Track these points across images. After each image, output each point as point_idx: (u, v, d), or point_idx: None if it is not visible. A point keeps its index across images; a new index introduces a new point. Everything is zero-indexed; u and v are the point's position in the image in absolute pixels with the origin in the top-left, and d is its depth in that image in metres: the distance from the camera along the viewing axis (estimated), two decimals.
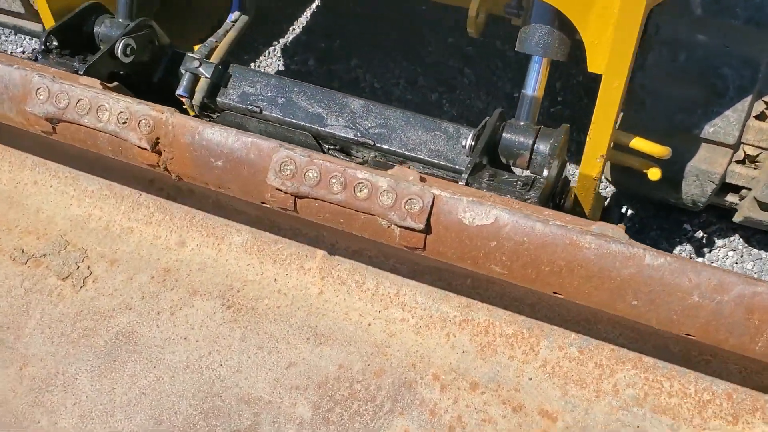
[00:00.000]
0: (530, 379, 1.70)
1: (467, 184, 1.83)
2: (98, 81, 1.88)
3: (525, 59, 1.97)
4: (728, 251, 2.76)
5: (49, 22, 2.30)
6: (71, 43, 2.24)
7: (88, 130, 1.77)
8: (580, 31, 1.77)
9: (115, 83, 1.93)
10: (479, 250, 1.58)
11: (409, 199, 1.59)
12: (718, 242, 2.79)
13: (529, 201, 1.77)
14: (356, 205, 1.62)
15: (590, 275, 1.51)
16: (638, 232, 2.81)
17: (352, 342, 1.79)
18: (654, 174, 1.94)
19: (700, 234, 2.82)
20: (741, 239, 2.77)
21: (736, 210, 2.45)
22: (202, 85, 2.33)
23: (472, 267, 1.60)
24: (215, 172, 1.70)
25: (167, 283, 1.91)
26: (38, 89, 1.81)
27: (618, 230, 1.59)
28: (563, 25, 1.83)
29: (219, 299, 1.87)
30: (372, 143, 2.25)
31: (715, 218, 2.82)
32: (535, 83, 1.97)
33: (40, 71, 1.85)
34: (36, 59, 2.13)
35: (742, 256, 2.72)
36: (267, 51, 3.33)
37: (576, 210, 2.11)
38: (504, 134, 2.01)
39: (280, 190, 1.63)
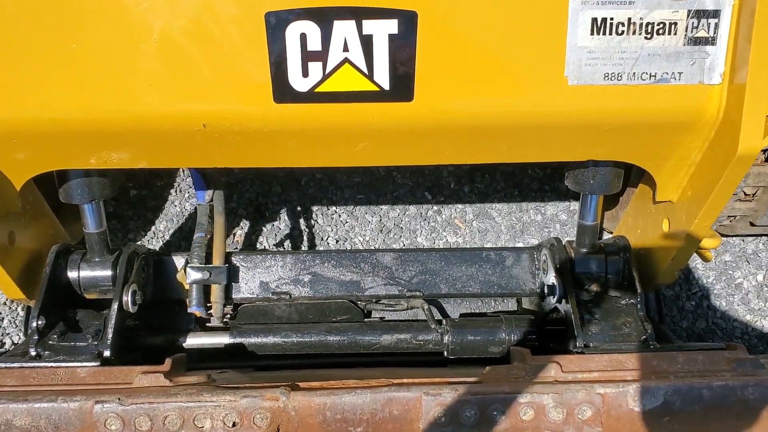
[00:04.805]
0: None
1: (585, 345, 1.88)
2: (162, 375, 1.70)
3: None
4: None
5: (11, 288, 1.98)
6: (53, 306, 1.96)
7: None
8: (653, 176, 1.86)
9: (204, 377, 1.72)
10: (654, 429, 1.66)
11: (580, 408, 1.62)
12: None
13: (653, 347, 1.87)
14: (523, 427, 1.63)
15: None
16: None
17: None
18: (709, 257, 2.12)
19: None
20: None
21: None
22: (217, 293, 2.15)
23: None
24: None
25: None
26: (106, 420, 1.59)
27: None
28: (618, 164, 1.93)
29: None
30: (421, 294, 2.22)
31: None
32: (594, 215, 2.05)
33: (93, 393, 1.63)
34: (37, 356, 1.84)
35: None
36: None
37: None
38: (576, 262, 2.07)
39: None
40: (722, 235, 2.79)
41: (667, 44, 1.62)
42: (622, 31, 1.61)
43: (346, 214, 3.01)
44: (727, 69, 1.64)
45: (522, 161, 1.84)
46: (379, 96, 1.63)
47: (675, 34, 1.62)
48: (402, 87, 1.62)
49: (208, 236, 2.22)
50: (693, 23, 1.62)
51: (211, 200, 2.30)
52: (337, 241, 2.93)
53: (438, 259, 2.26)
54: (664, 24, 1.61)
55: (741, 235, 2.85)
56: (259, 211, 2.98)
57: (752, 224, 2.52)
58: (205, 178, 2.32)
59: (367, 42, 1.58)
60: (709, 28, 1.62)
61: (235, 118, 1.64)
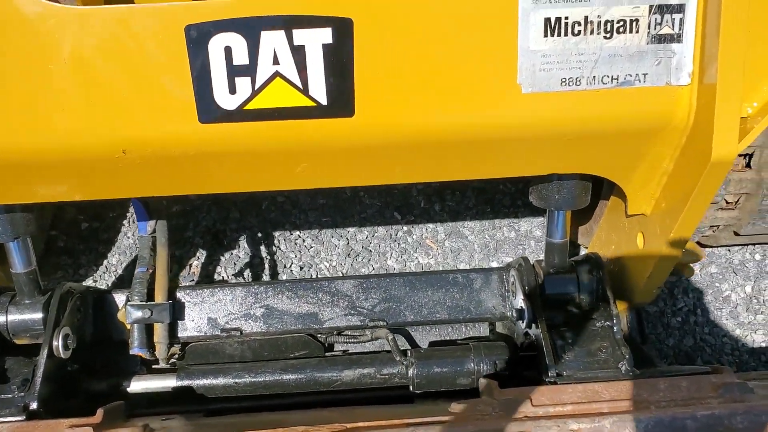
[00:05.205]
0: None
1: (558, 374, 1.73)
2: (92, 428, 1.55)
3: None
4: None
5: None
6: None
7: None
8: (622, 188, 1.73)
9: (140, 429, 1.56)
10: None
11: None
12: None
13: (631, 374, 1.73)
14: None
15: None
16: None
17: None
18: (690, 272, 1.99)
19: None
20: None
21: None
22: (161, 332, 1.99)
23: None
24: None
25: None
26: None
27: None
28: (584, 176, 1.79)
29: None
30: (385, 323, 2.07)
31: None
32: (562, 232, 1.92)
33: None
34: None
35: None
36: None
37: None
38: (546, 283, 1.93)
39: None
40: (706, 246, 2.66)
41: (628, 43, 1.50)
42: (579, 31, 1.48)
43: (310, 238, 2.86)
44: (696, 68, 1.52)
45: (479, 177, 1.70)
46: (316, 112, 1.49)
47: (637, 32, 1.49)
48: (341, 101, 1.49)
49: (150, 270, 2.07)
50: (656, 19, 1.49)
51: (154, 231, 2.16)
52: (301, 268, 2.78)
53: (402, 284, 2.11)
54: (625, 21, 1.48)
55: (726, 246, 2.72)
56: (217, 239, 2.83)
57: (736, 234, 2.39)
58: (147, 208, 2.18)
59: (299, 53, 1.45)
60: (673, 24, 1.50)
61: (158, 141, 1.49)
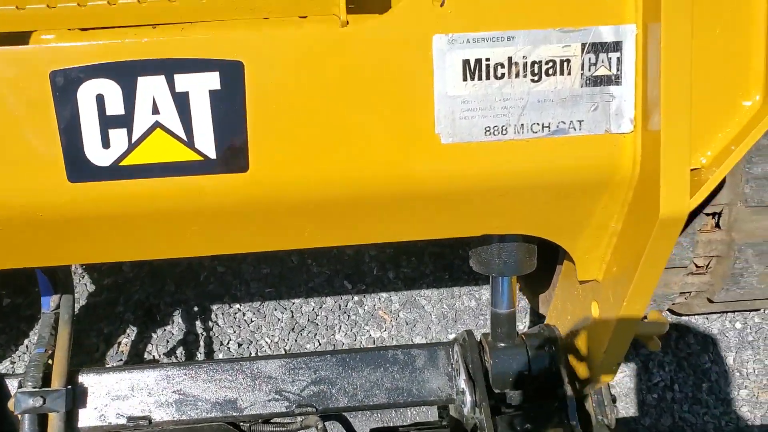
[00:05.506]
0: None
1: None
2: None
3: None
4: None
5: None
6: None
7: None
8: (567, 251, 1.54)
9: None
10: None
11: None
12: None
13: None
14: None
15: None
16: None
17: None
18: (656, 346, 1.78)
19: None
20: None
21: None
22: (56, 423, 1.75)
23: None
24: None
25: None
26: None
27: None
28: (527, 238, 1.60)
29: None
30: (315, 408, 1.84)
31: None
32: (508, 301, 1.72)
33: None
34: None
35: None
36: None
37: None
38: (494, 361, 1.72)
39: None
40: (681, 315, 2.46)
41: (560, 87, 1.33)
42: (503, 74, 1.31)
43: (251, 311, 2.65)
44: (638, 113, 1.35)
45: (401, 239, 1.51)
46: (204, 167, 1.31)
47: (569, 73, 1.33)
48: (232, 155, 1.30)
49: (50, 352, 1.85)
50: (590, 59, 1.33)
51: (58, 307, 1.94)
52: (239, 345, 2.56)
53: (334, 364, 1.89)
54: (554, 62, 1.32)
55: (702, 314, 2.52)
56: (150, 314, 2.61)
57: (710, 300, 2.19)
58: (53, 280, 1.97)
59: (182, 101, 1.27)
60: (610, 64, 1.33)
61: (20, 204, 1.30)
